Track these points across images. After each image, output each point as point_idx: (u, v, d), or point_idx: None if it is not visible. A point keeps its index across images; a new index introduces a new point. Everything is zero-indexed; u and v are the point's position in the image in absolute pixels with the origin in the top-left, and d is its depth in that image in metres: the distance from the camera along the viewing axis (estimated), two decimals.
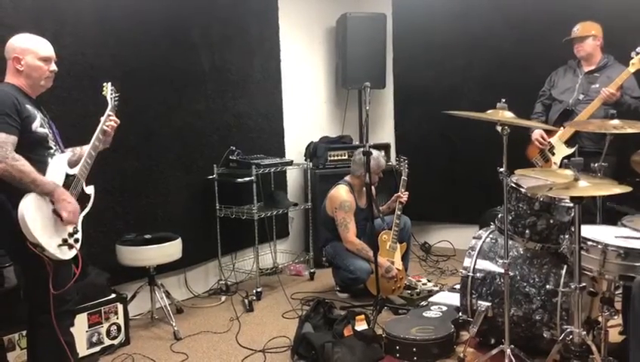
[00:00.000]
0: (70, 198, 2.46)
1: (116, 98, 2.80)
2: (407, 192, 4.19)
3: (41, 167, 2.42)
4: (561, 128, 3.91)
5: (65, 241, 2.45)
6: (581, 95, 3.92)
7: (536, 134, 4.06)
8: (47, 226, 2.39)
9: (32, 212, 2.33)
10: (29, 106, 2.43)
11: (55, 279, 2.40)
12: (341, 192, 4.20)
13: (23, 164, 2.32)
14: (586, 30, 3.90)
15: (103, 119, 2.68)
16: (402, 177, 4.20)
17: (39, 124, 2.45)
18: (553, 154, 3.99)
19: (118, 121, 2.73)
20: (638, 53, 3.60)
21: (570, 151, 3.87)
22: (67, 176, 2.52)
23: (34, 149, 2.43)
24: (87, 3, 3.57)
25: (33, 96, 2.55)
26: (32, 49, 2.48)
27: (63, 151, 2.61)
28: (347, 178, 4.29)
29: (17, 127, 2.35)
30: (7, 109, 2.33)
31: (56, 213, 2.42)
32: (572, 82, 4.01)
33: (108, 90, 2.80)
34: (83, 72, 3.51)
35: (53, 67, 2.55)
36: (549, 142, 4.01)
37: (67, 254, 2.47)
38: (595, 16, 4.01)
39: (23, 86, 2.50)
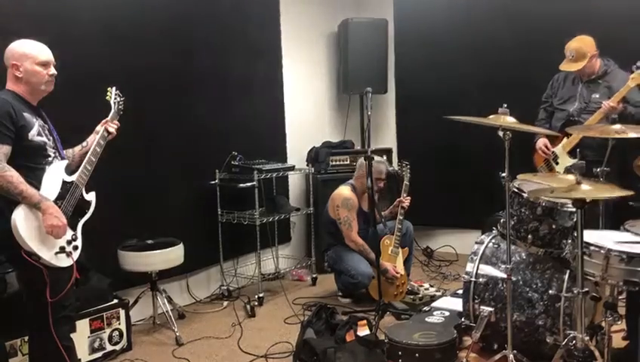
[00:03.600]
0: (57, 212, 2.39)
1: (121, 103, 2.79)
2: (409, 197, 4.19)
3: (38, 175, 2.42)
4: (565, 138, 3.89)
5: (62, 249, 2.43)
6: (583, 103, 3.89)
7: (540, 143, 4.04)
8: (43, 234, 2.37)
9: (24, 221, 2.32)
10: (26, 114, 2.41)
11: (52, 286, 2.39)
12: (343, 191, 4.22)
13: (12, 175, 2.29)
14: (581, 55, 3.80)
15: (103, 124, 2.68)
16: (404, 182, 4.21)
17: (37, 132, 2.42)
18: (557, 163, 3.97)
19: (116, 129, 2.73)
20: (638, 68, 3.57)
21: (573, 161, 3.84)
22: (64, 183, 2.50)
23: (31, 158, 2.41)
24: (88, 8, 3.58)
25: (34, 102, 2.52)
26: (30, 54, 2.45)
27: (62, 159, 2.59)
28: (351, 181, 4.31)
29: (11, 136, 2.32)
30: (1, 118, 2.30)
31: None
32: (572, 91, 3.98)
33: (112, 94, 2.79)
34: (84, 77, 3.48)
35: (53, 71, 2.52)
36: (553, 151, 4.00)
37: (64, 261, 2.45)
38: (596, 19, 3.99)
39: (23, 93, 2.47)
